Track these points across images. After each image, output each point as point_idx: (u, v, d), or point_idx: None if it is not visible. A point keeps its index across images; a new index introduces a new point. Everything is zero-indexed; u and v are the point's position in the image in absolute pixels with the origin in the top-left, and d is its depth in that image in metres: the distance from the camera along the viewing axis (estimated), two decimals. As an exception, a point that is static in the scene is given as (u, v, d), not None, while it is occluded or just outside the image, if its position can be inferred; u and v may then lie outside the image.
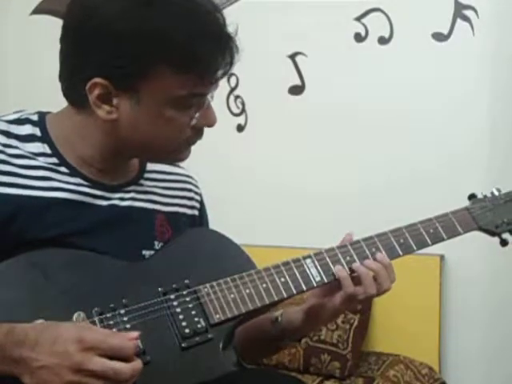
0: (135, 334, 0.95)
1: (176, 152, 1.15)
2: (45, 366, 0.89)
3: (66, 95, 1.13)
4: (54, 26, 3.52)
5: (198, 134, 1.13)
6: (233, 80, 2.94)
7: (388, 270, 1.17)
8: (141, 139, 1.10)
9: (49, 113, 1.18)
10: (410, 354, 2.58)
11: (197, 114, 1.10)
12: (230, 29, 1.08)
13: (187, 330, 1.04)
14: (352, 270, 1.16)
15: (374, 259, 1.18)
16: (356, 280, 1.16)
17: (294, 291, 1.13)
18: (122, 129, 1.09)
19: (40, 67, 3.20)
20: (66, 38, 1.09)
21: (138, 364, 0.93)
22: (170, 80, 1.04)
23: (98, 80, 1.04)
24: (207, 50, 1.04)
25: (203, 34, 1.04)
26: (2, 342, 0.92)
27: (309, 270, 1.15)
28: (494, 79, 2.56)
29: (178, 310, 1.06)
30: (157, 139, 1.10)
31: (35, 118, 1.15)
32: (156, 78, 1.04)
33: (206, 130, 1.14)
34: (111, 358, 0.91)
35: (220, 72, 1.08)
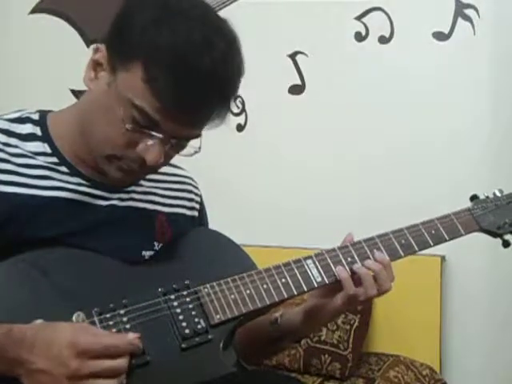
0: (136, 334, 0.96)
1: (107, 162, 1.09)
2: (42, 369, 0.90)
3: None
4: (53, 25, 3.52)
5: (134, 159, 1.06)
6: (232, 79, 2.92)
7: (387, 270, 1.17)
8: (88, 126, 1.08)
9: (50, 111, 1.18)
10: (410, 354, 2.57)
11: (141, 146, 1.05)
12: (228, 89, 1.04)
13: (187, 331, 1.04)
14: (353, 271, 1.15)
15: (374, 259, 1.17)
16: (357, 281, 1.15)
17: (295, 292, 1.12)
18: (86, 103, 1.09)
19: (39, 66, 3.20)
20: None
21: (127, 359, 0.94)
22: (140, 84, 1.00)
23: (102, 47, 1.05)
24: (181, 86, 0.99)
25: (190, 74, 0.99)
26: (1, 342, 0.92)
27: (310, 270, 1.14)
28: (495, 78, 2.56)
29: (178, 310, 1.05)
30: (93, 132, 1.07)
31: (36, 117, 1.15)
32: (132, 74, 1.01)
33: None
34: (106, 357, 0.91)
35: (186, 117, 1.03)
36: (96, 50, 1.07)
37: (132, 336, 0.95)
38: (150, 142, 1.04)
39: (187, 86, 0.99)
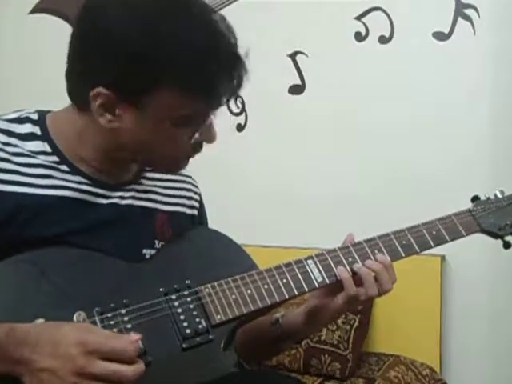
0: (137, 336, 0.95)
1: (174, 165, 1.16)
2: (46, 368, 0.89)
3: (69, 95, 1.11)
4: (52, 25, 3.52)
5: (197, 148, 1.13)
6: (232, 79, 2.92)
7: (389, 271, 1.17)
8: (140, 150, 1.09)
9: (49, 112, 1.17)
10: (410, 354, 2.57)
11: (197, 134, 1.09)
12: (241, 50, 1.07)
13: (188, 331, 1.04)
14: (354, 272, 1.16)
15: (376, 260, 1.17)
16: (358, 281, 1.15)
17: (296, 292, 1.12)
18: (122, 137, 1.07)
19: (38, 66, 3.20)
20: (73, 42, 1.07)
21: (140, 366, 0.93)
22: (174, 99, 1.03)
23: (101, 90, 1.02)
24: (214, 74, 1.03)
25: (212, 57, 1.02)
26: (3, 341, 0.91)
27: (311, 270, 1.14)
28: (495, 78, 2.56)
29: (179, 310, 1.05)
30: (156, 152, 1.10)
31: (35, 116, 1.15)
32: (160, 95, 1.02)
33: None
34: (113, 360, 0.90)
35: (226, 95, 1.07)
36: (96, 97, 1.03)
37: (136, 338, 0.95)
38: (207, 125, 1.10)
39: (216, 78, 1.03)
